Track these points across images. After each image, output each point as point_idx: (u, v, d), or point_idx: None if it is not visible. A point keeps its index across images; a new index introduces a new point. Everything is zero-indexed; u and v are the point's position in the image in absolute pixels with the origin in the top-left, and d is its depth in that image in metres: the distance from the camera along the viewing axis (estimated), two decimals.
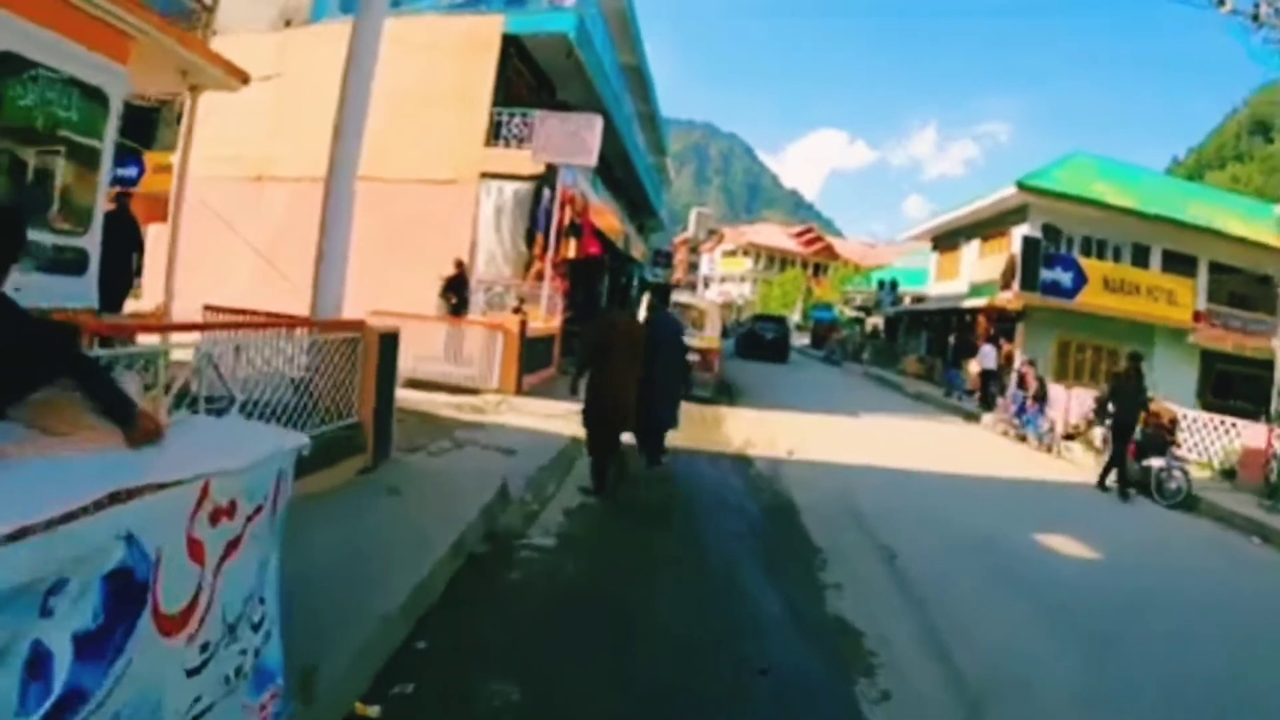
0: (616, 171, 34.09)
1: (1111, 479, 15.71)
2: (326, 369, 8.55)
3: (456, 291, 19.11)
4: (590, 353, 10.54)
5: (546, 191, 20.99)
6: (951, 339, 35.80)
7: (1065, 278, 31.66)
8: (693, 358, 19.86)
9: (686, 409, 18.42)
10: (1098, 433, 19.49)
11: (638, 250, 42.86)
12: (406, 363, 14.38)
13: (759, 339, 44.39)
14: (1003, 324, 33.07)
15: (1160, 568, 10.93)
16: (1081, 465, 18.98)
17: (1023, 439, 21.84)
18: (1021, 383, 22.81)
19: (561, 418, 14.51)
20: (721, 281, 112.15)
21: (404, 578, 6.11)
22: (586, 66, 24.52)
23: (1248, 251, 36.52)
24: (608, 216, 29.43)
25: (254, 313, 9.20)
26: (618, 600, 7.12)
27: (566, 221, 21.19)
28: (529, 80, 25.00)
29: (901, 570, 8.78)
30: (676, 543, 9.05)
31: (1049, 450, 20.91)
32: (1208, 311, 35.52)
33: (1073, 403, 22.84)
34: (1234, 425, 19.34)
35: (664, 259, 58.21)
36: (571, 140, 20.12)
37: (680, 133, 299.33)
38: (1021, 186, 32.42)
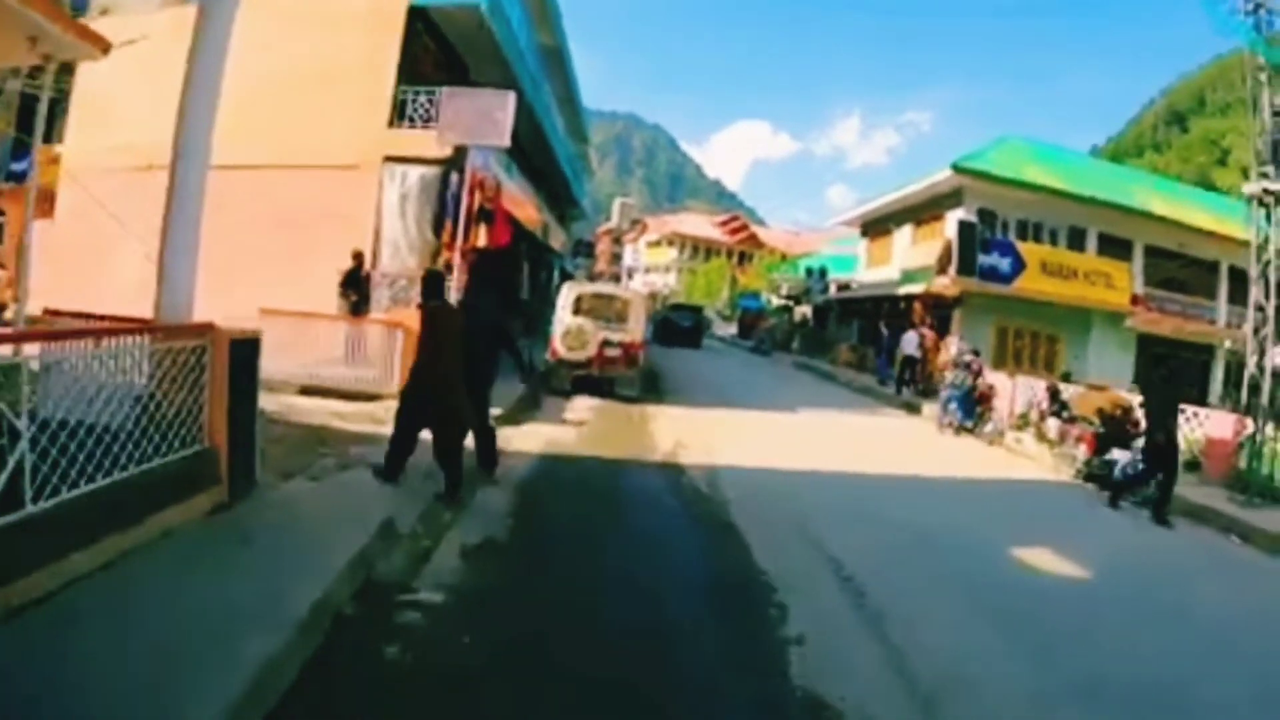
0: (535, 159, 32.22)
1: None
2: (166, 384, 6.83)
3: (355, 286, 17.38)
4: (422, 344, 9.44)
5: (454, 176, 18.93)
6: (883, 327, 34.36)
7: (1003, 262, 30.66)
8: (615, 353, 18.55)
9: (611, 411, 17.48)
10: (1052, 424, 18.45)
11: (558, 240, 40.82)
12: (302, 367, 13.86)
13: (675, 327, 45.02)
14: (939, 311, 31.95)
15: (1147, 578, 9.92)
16: (1037, 458, 18.00)
17: (969, 432, 20.62)
18: (967, 372, 21.50)
19: None
20: (646, 272, 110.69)
21: (224, 679, 4.39)
22: (501, 43, 22.58)
23: (1184, 235, 36.24)
24: (525, 204, 27.61)
25: (102, 317, 8.14)
26: (524, 683, 5.42)
27: (476, 207, 19.39)
28: (438, 58, 23.01)
29: (875, 611, 7.25)
30: (600, 591, 7.30)
31: (999, 443, 19.84)
32: (1145, 295, 35.04)
33: (1018, 392, 21.82)
34: (1196, 414, 18.21)
35: (585, 249, 56.35)
36: (482, 119, 18.27)
37: (603, 124, 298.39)
38: (957, 169, 31.32)
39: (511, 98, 18.45)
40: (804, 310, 53.22)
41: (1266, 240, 16.05)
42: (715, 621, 6.80)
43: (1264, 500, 14.36)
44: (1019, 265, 30.93)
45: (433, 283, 9.64)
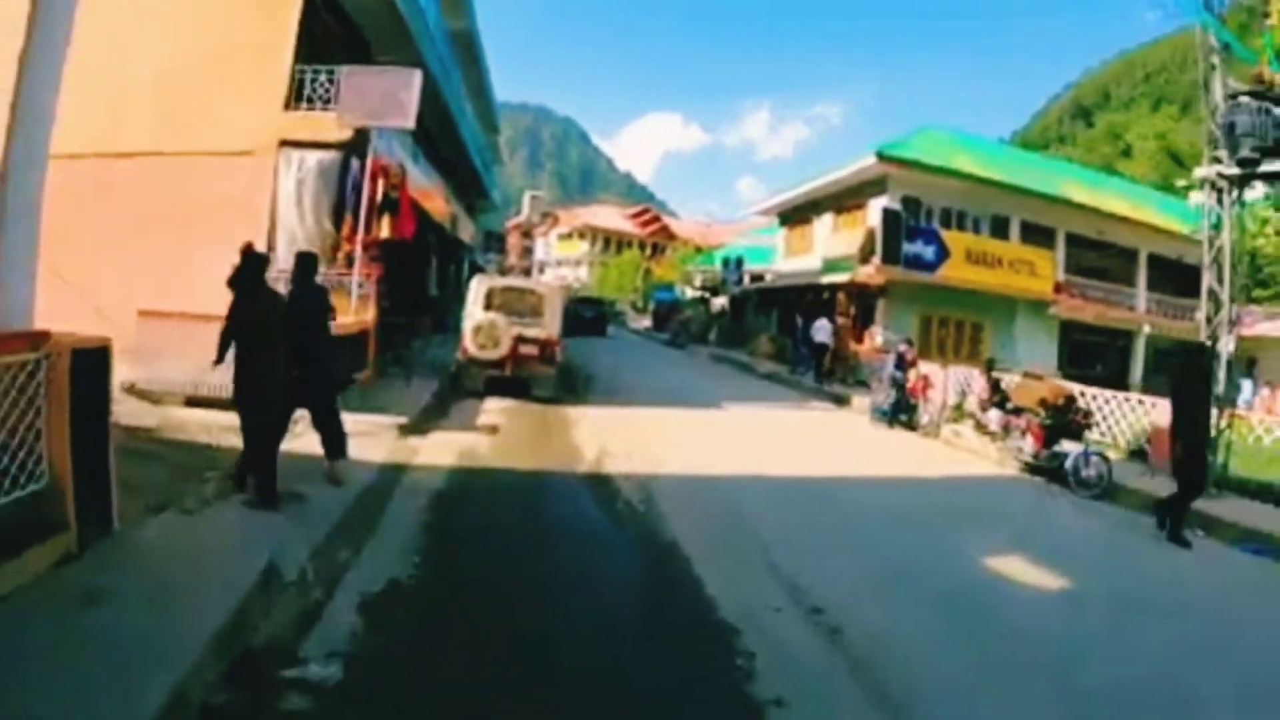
0: (443, 147, 30.61)
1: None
2: None
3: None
4: (224, 335, 8.28)
5: (355, 161, 17.44)
6: (799, 317, 33.38)
7: (927, 251, 29.99)
8: (530, 351, 17.23)
9: (528, 414, 15.94)
10: (994, 416, 17.53)
11: (467, 233, 39.24)
12: (187, 375, 12.06)
13: (580, 319, 44.20)
14: (863, 300, 31.21)
15: (1131, 580, 9.44)
16: (979, 452, 17.34)
17: (904, 425, 19.77)
18: (901, 364, 20.59)
19: (372, 435, 11.57)
20: (557, 265, 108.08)
21: None
22: (407, 22, 21.00)
23: (1104, 223, 36.27)
24: (433, 195, 26.15)
25: None
26: None
27: (380, 196, 17.91)
28: (340, 36, 21.29)
29: (858, 658, 6.04)
30: (530, 652, 5.79)
31: (936, 436, 19.11)
32: (1067, 283, 34.96)
33: (950, 382, 21.37)
34: (1141, 402, 17.92)
35: (496, 242, 54.86)
36: (385, 100, 16.75)
37: (513, 116, 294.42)
38: (881, 157, 30.38)
39: (417, 76, 17.00)
40: (720, 302, 52.25)
41: (1219, 225, 15.26)
42: (675, 683, 5.54)
43: (1219, 490, 13.76)
44: (943, 254, 30.28)
45: (252, 265, 8.33)
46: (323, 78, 18.05)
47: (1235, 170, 14.51)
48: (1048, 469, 14.87)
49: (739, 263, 47.88)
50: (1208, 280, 15.46)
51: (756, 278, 46.96)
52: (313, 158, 17.63)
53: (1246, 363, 39.57)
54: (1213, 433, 14.03)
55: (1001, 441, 16.62)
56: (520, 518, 9.16)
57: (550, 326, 17.87)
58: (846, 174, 33.10)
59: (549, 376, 17.79)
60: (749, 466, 12.95)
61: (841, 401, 24.01)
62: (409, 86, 16.85)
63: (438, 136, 28.67)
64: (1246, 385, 36.74)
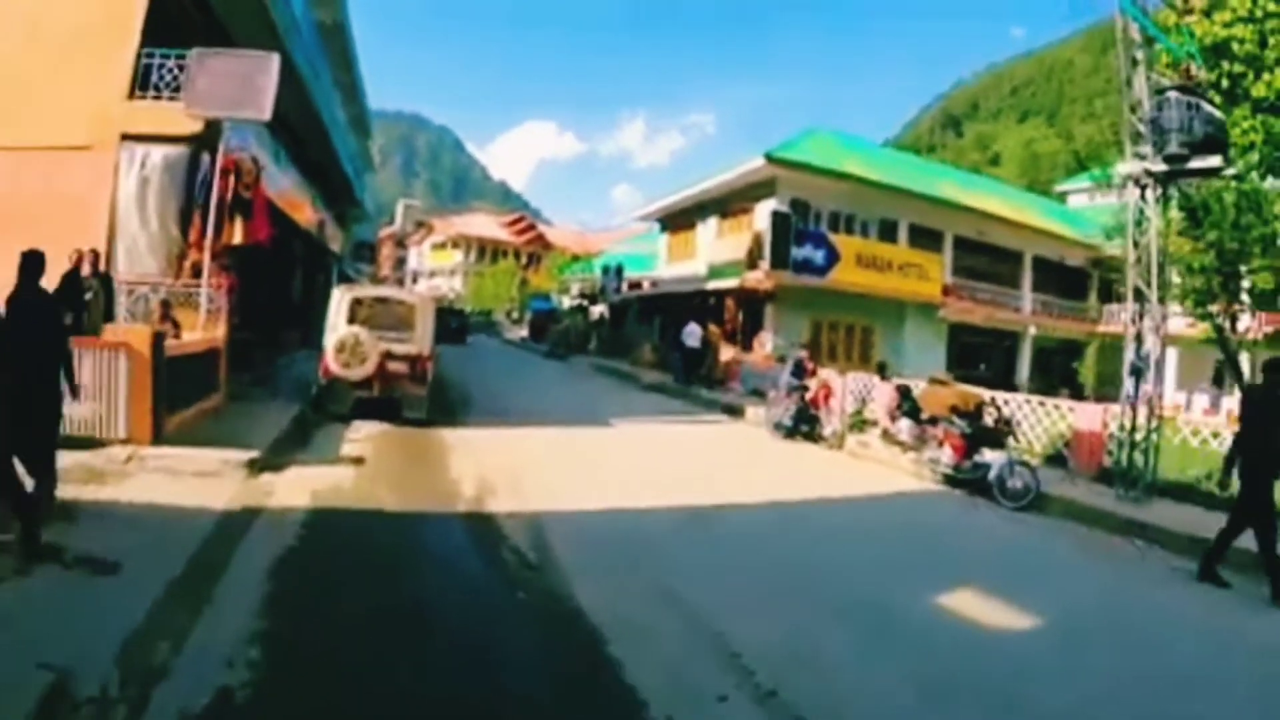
0: (311, 149, 28.25)
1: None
2: None
3: (71, 297, 13.57)
4: None
5: (206, 157, 15.39)
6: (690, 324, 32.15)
7: (817, 255, 29.11)
8: (400, 368, 15.35)
9: (399, 439, 14.13)
10: (905, 426, 16.53)
11: (337, 241, 36.83)
12: None
13: (445, 327, 41.35)
14: (751, 306, 30.08)
15: (1105, 610, 8.38)
16: (890, 463, 16.37)
17: (808, 438, 18.56)
18: (800, 372, 19.52)
19: (215, 475, 9.70)
20: (431, 276, 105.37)
21: None
22: (271, 9, 18.32)
23: (990, 226, 36.43)
24: (299, 200, 24.14)
25: None
26: None
27: (230, 196, 15.87)
28: (197, 22, 18.85)
29: None
30: None
31: (840, 448, 17.98)
32: (955, 286, 34.98)
33: (848, 390, 20.20)
34: (1057, 406, 17.29)
35: (367, 252, 52.10)
36: (240, 87, 14.45)
37: (387, 124, 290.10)
38: (770, 159, 29.31)
39: (275, 61, 14.83)
40: (600, 310, 50.78)
41: (1143, 223, 14.37)
42: None
43: (1145, 495, 13.19)
44: (833, 257, 29.44)
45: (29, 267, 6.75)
46: (172, 63, 15.86)
47: (1163, 167, 13.72)
48: (969, 480, 13.96)
49: (619, 270, 46.02)
50: (1133, 278, 14.47)
51: (636, 285, 45.86)
52: (158, 153, 15.45)
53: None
54: (1140, 434, 13.67)
55: (916, 453, 15.65)
56: (388, 580, 7.21)
57: (421, 340, 15.91)
58: (733, 177, 31.89)
59: (421, 396, 15.82)
60: (651, 496, 11.30)
61: (734, 412, 22.65)
62: (266, 73, 14.75)
63: (306, 137, 26.40)
64: (1130, 381, 36.45)
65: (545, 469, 12.53)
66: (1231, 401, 35.64)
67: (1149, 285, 14.25)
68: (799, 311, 30.25)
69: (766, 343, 28.73)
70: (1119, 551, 10.91)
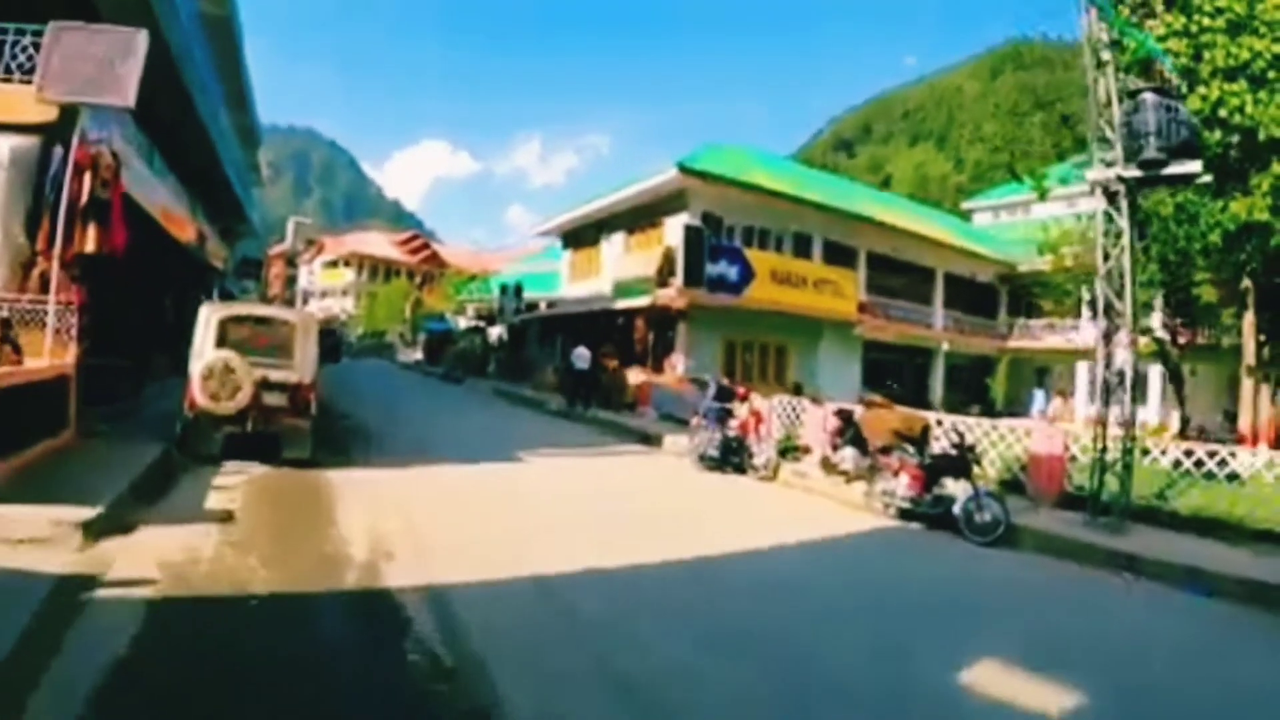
0: (193, 156, 25.44)
1: None
2: None
3: None
4: None
5: (59, 150, 13.19)
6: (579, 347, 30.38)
7: (731, 271, 27.53)
8: (278, 400, 12.97)
9: (278, 486, 12.06)
10: (849, 454, 15.45)
11: (220, 257, 34.12)
12: None
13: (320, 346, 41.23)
14: (662, 325, 28.29)
15: (1113, 653, 7.31)
16: (835, 496, 14.83)
17: (737, 469, 16.82)
18: (724, 396, 18.08)
19: (46, 543, 7.41)
20: (322, 296, 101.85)
21: None
22: None
23: (904, 242, 35.85)
24: (177, 212, 21.67)
25: None
26: None
27: (87, 196, 13.56)
28: (62, 4, 16.48)
29: None
30: None
31: (774, 479, 16.28)
32: (870, 303, 34.08)
33: (773, 414, 19.04)
34: (1013, 429, 16.01)
35: (253, 269, 48.82)
36: (100, 68, 12.23)
37: (279, 139, 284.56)
38: (683, 169, 27.54)
39: (143, 39, 12.47)
40: (498, 331, 48.54)
41: (1115, 233, 13.18)
42: None
43: (1119, 521, 12.09)
44: (748, 274, 27.89)
45: None
46: (27, 40, 13.52)
47: (1136, 173, 12.64)
48: (930, 515, 12.57)
49: (518, 289, 44.08)
50: (1103, 291, 13.24)
51: (532, 306, 43.81)
52: (4, 144, 13.08)
53: (1037, 373, 41.79)
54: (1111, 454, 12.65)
55: (865, 483, 14.16)
56: (252, 709, 4.96)
57: (303, 366, 13.51)
58: (641, 189, 30.07)
59: (304, 432, 13.39)
60: (581, 553, 9.24)
61: (651, 441, 20.86)
62: (131, 52, 12.39)
63: (186, 141, 23.75)
64: (1039, 395, 37.43)
65: (452, 522, 10.44)
66: (1146, 412, 35.48)
67: (1119, 298, 13.05)
68: (712, 331, 28.66)
69: (678, 365, 27.12)
70: (1101, 586, 9.88)
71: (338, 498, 11.21)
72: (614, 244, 34.15)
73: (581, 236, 37.73)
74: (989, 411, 36.05)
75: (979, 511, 11.91)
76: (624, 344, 28.84)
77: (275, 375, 13.07)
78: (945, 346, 38.29)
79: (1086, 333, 39.33)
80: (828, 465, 16.12)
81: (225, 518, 9.41)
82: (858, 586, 9.19)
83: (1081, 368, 39.39)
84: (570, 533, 10.46)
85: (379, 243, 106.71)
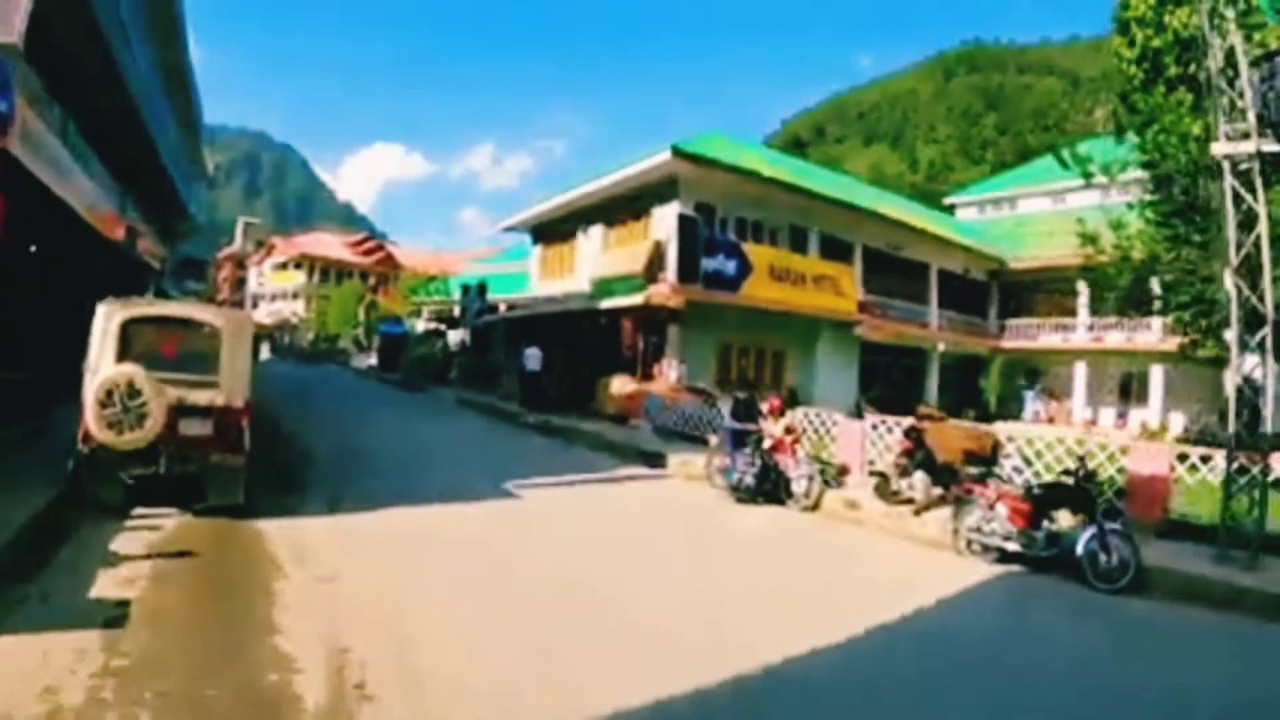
0: (124, 140, 21.68)
1: None
2: None
3: None
4: None
5: None
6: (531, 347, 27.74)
7: (729, 266, 24.77)
8: (200, 429, 9.56)
9: (197, 547, 8.53)
10: (918, 480, 12.85)
11: (155, 255, 30.30)
12: None
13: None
14: (651, 327, 25.19)
15: None
16: (914, 534, 12.08)
17: (769, 498, 13.94)
18: (749, 412, 15.37)
19: None
20: (272, 299, 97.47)
21: None
22: None
23: (901, 237, 33.05)
24: (100, 204, 18.26)
25: None
26: None
27: None
28: None
29: None
30: None
31: (816, 509, 13.62)
32: (867, 302, 31.21)
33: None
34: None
35: (195, 269, 44.54)
36: None
37: (229, 141, 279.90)
38: (677, 153, 24.22)
39: None
40: (460, 335, 44.60)
41: (1252, 215, 10.61)
42: None
43: (1252, 556, 10.09)
44: (745, 269, 25.13)
45: None
46: None
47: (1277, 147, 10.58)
48: (1040, 557, 10.26)
49: (481, 289, 40.70)
50: (1231, 282, 11.06)
51: (495, 309, 40.26)
52: None
53: (1027, 375, 39.06)
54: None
55: (950, 518, 11.31)
56: None
57: (233, 383, 9.92)
58: (627, 176, 26.68)
59: (236, 469, 9.87)
60: (660, 675, 5.97)
61: (653, 461, 17.79)
62: None
63: (116, 122, 20.31)
64: (1030, 397, 36.19)
65: (454, 619, 7.12)
66: (1147, 413, 34.81)
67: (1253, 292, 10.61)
68: (705, 333, 25.74)
69: (671, 371, 24.13)
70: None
71: (282, 575, 7.93)
72: (592, 238, 30.79)
73: (554, 231, 34.29)
74: (984, 415, 33.90)
75: (1105, 553, 9.70)
76: (607, 348, 25.86)
77: (196, 396, 9.68)
78: (941, 347, 35.75)
79: (1083, 332, 37.68)
80: (884, 492, 13.41)
81: (114, 620, 6.21)
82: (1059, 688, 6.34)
83: (1079, 368, 37.63)
84: (628, 633, 7.10)
85: (331, 244, 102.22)
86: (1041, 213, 45.35)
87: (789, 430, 14.81)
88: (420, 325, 57.25)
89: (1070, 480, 10.83)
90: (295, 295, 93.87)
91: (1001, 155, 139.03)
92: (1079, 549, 9.80)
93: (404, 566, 8.65)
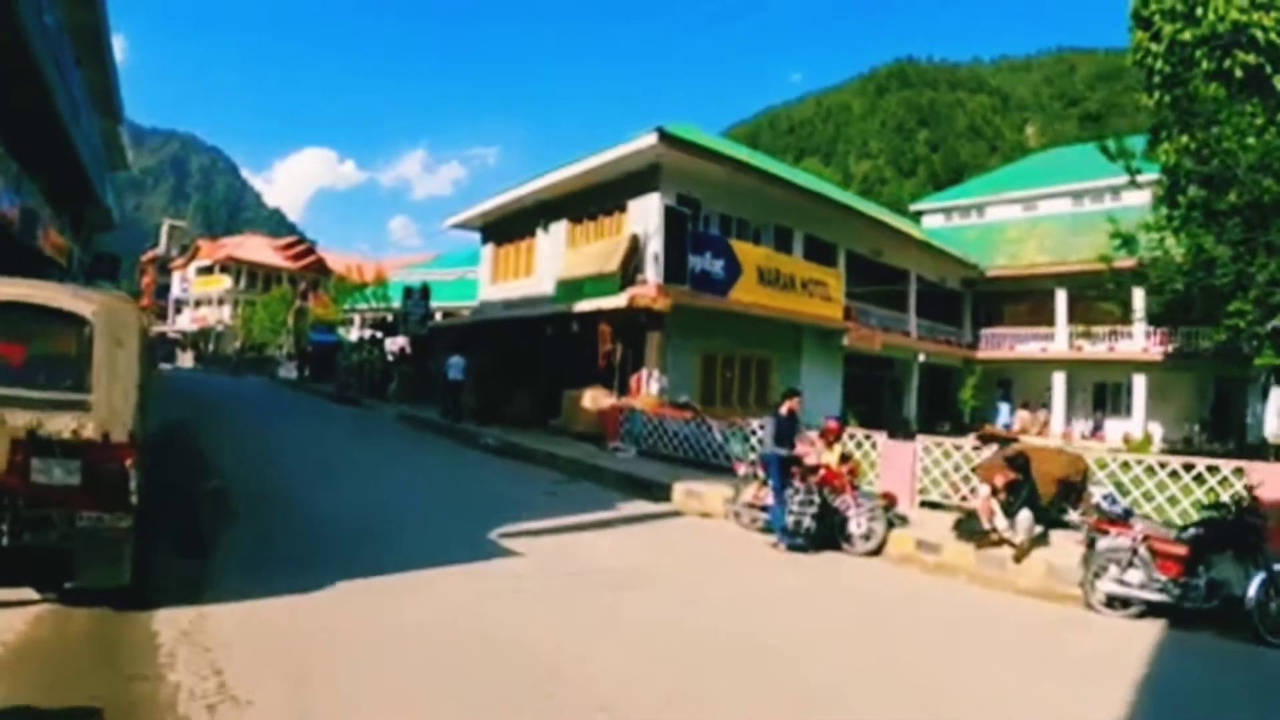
0: (21, 98, 18.06)
1: None
2: None
3: None
4: None
5: None
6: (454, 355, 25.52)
7: (716, 266, 21.83)
8: (58, 478, 5.94)
9: (49, 681, 5.11)
10: (1022, 520, 10.03)
11: (59, 248, 26.17)
12: None
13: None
14: (628, 335, 21.58)
15: None
16: (1021, 583, 9.63)
17: (823, 542, 11.12)
18: (788, 433, 11.86)
19: None
20: (196, 305, 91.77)
21: None
22: None
23: (882, 240, 30.36)
24: None
25: None
26: None
27: None
28: None
29: None
30: None
31: (879, 553, 10.93)
32: (852, 309, 28.48)
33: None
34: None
35: (109, 266, 39.94)
36: None
37: (158, 142, 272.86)
38: (664, 137, 20.71)
39: None
40: (398, 344, 40.47)
41: None
42: None
43: None
44: (735, 270, 22.22)
45: None
46: None
47: None
48: (1199, 610, 8.17)
49: (424, 292, 36.57)
50: None
51: (432, 315, 37.31)
52: None
53: (1000, 385, 36.97)
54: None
55: (1086, 566, 8.84)
56: None
57: (114, 405, 6.19)
58: (602, 163, 22.91)
59: (117, 537, 6.19)
60: None
61: (655, 493, 14.50)
62: None
63: (12, 83, 16.73)
64: (1004, 409, 33.81)
65: None
66: (1126, 424, 33.23)
67: None
68: (687, 341, 22.57)
69: (653, 383, 20.83)
70: None
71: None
72: (555, 236, 27.06)
73: (509, 229, 30.32)
74: (960, 429, 31.53)
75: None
76: (574, 357, 22.46)
77: (55, 425, 6.02)
78: (922, 357, 33.07)
79: (1062, 341, 35.77)
80: (971, 532, 10.67)
81: None
82: None
83: (1059, 378, 35.54)
84: None
85: (259, 247, 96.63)
86: (1011, 220, 43.33)
87: (845, 459, 11.93)
88: (354, 333, 53.34)
89: (1226, 515, 8.63)
90: (221, 301, 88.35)
91: (934, 170, 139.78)
92: (1249, 599, 7.83)
93: (373, 690, 5.35)
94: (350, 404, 32.09)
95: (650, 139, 20.61)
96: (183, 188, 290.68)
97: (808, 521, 11.01)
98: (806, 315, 24.69)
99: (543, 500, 13.42)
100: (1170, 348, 31.88)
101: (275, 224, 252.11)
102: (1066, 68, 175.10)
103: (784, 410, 12.21)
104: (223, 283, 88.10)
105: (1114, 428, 34.09)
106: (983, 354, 37.65)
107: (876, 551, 10.87)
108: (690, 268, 20.66)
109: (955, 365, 36.08)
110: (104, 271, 38.48)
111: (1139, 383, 33.21)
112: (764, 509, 11.75)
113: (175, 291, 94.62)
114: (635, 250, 21.42)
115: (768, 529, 11.51)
